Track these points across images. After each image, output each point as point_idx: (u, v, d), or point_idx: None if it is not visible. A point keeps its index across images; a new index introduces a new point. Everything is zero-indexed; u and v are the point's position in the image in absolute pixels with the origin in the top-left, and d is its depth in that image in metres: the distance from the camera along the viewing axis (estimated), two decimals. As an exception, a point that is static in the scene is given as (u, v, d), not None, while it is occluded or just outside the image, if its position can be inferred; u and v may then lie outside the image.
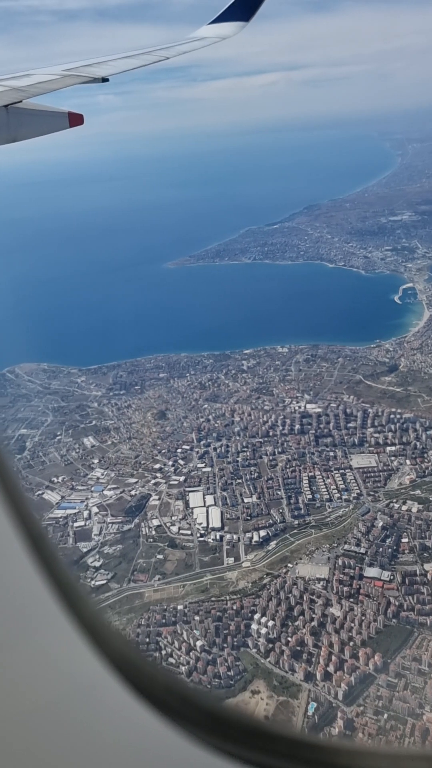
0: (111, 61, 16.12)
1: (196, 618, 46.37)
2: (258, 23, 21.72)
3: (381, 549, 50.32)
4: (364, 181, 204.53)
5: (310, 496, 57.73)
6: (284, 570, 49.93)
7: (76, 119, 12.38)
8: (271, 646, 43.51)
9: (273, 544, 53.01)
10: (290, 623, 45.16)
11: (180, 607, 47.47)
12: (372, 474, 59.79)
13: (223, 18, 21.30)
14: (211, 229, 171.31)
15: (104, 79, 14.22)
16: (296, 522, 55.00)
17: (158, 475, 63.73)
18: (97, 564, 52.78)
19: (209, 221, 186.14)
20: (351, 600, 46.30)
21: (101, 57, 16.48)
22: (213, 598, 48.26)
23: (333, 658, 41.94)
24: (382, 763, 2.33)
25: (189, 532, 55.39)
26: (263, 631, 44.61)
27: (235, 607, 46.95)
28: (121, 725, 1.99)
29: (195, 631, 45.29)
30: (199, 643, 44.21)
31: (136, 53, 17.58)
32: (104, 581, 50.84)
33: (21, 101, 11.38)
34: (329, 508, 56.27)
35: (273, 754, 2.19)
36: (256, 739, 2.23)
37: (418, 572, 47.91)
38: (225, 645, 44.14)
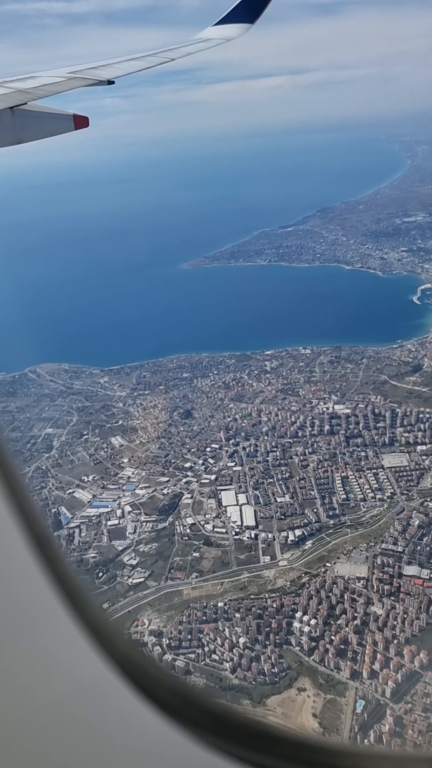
0: (116, 63, 16.13)
1: (237, 615, 46.49)
2: (263, 26, 21.49)
3: (419, 547, 50.45)
4: (376, 183, 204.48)
5: (344, 496, 57.80)
6: (323, 569, 50.01)
7: (81, 121, 12.45)
8: (314, 644, 43.60)
9: (309, 543, 53.06)
10: (332, 621, 45.24)
11: (220, 604, 47.58)
12: (404, 473, 59.87)
13: (228, 19, 21.22)
14: (223, 231, 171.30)
15: (110, 82, 14.10)
16: (331, 521, 55.03)
17: (189, 473, 63.81)
18: (134, 562, 52.89)
19: (220, 223, 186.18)
20: (392, 598, 46.38)
21: (106, 59, 16.42)
22: (252, 596, 48.39)
23: (378, 656, 42.01)
24: (384, 765, 2.36)
25: (224, 530, 55.46)
26: (306, 629, 44.69)
27: (275, 605, 47.04)
28: (125, 726, 2.00)
29: (237, 628, 45.38)
30: (241, 641, 44.28)
31: (140, 55, 17.59)
32: (141, 579, 50.97)
33: (26, 103, 11.45)
34: (363, 507, 56.34)
35: (276, 756, 2.20)
36: (260, 740, 2.24)
37: (457, 571, 48.01)
38: (267, 642, 44.22)
